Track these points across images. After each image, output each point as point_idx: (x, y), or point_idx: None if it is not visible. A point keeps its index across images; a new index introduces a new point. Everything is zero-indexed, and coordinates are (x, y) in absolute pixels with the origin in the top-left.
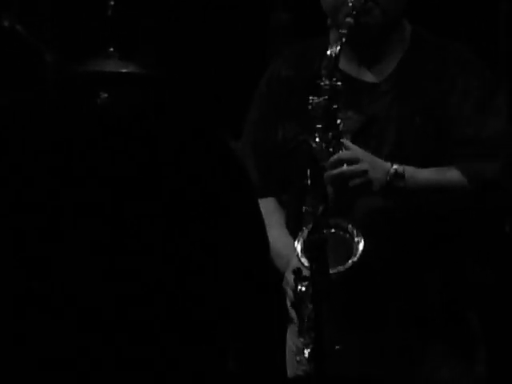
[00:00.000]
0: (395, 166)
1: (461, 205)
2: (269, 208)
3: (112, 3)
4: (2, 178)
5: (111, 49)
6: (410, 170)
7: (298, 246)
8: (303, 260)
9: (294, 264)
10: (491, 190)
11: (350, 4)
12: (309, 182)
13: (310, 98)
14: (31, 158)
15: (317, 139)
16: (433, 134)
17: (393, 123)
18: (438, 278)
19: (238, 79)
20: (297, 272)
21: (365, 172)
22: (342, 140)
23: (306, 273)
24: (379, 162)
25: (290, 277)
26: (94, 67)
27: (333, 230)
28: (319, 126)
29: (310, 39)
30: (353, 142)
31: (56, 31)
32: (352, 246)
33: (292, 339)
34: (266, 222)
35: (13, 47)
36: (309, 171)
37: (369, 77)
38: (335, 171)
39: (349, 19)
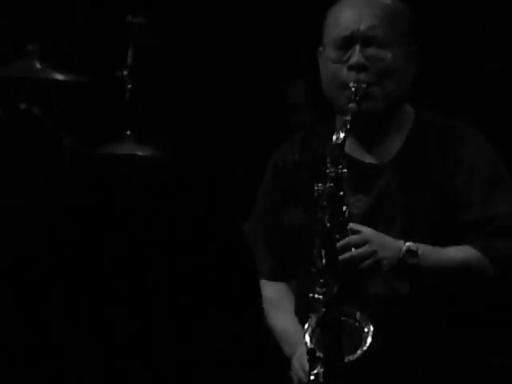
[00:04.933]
0: (408, 244)
1: (480, 285)
2: (280, 293)
3: (129, 86)
4: None
5: (128, 132)
6: (423, 248)
7: (307, 335)
8: (310, 345)
9: (302, 352)
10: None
11: (353, 89)
12: (323, 262)
13: (316, 185)
14: None
15: (324, 226)
16: (441, 215)
17: (400, 203)
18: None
19: (250, 160)
20: (310, 353)
21: (374, 252)
22: (348, 225)
23: (319, 354)
24: (390, 240)
25: (297, 364)
26: (111, 150)
27: (342, 318)
28: (325, 212)
29: (315, 124)
30: (362, 223)
31: (73, 114)
32: (361, 335)
33: None
34: (276, 307)
35: (29, 130)
36: (323, 251)
37: (374, 159)
38: (344, 256)
39: (352, 105)
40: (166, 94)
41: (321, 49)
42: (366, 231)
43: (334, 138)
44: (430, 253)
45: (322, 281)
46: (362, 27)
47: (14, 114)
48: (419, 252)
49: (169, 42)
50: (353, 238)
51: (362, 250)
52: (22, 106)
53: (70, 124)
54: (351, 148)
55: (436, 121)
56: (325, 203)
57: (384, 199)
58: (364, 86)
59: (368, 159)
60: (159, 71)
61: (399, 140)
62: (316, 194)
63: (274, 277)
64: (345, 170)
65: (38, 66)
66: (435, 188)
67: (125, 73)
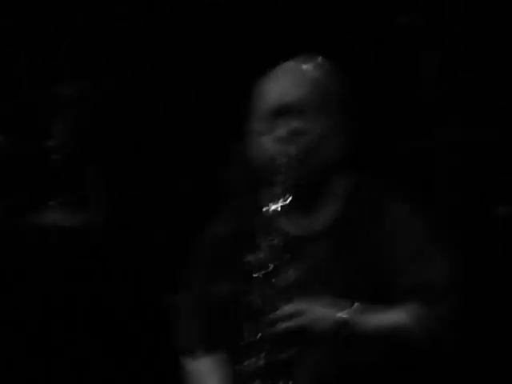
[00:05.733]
0: (340, 314)
1: (413, 351)
2: (208, 366)
3: (57, 156)
4: None
5: (52, 203)
6: (356, 317)
7: None
8: None
9: None
10: (443, 331)
11: (279, 162)
12: (253, 334)
13: (247, 256)
14: None
15: (254, 298)
16: (378, 279)
17: (332, 273)
18: None
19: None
20: None
21: (307, 324)
22: (280, 297)
23: None
24: (323, 311)
25: None
26: (36, 219)
27: None
28: (256, 284)
29: (245, 197)
30: (296, 293)
31: None
32: None
33: None
34: (205, 381)
35: None
36: (253, 324)
37: (306, 228)
38: (276, 328)
39: (279, 177)
40: (92, 163)
41: (249, 121)
42: (299, 302)
43: (265, 209)
44: (363, 321)
45: (251, 353)
46: (287, 99)
47: None
48: (352, 321)
49: (95, 112)
50: (284, 310)
51: (293, 321)
52: None
53: None
54: (283, 218)
55: (371, 189)
56: (255, 275)
57: (319, 265)
58: (290, 158)
59: (300, 229)
60: (86, 140)
61: (332, 209)
62: (247, 266)
63: (202, 350)
64: (276, 242)
65: None
66: (367, 260)
67: (51, 142)
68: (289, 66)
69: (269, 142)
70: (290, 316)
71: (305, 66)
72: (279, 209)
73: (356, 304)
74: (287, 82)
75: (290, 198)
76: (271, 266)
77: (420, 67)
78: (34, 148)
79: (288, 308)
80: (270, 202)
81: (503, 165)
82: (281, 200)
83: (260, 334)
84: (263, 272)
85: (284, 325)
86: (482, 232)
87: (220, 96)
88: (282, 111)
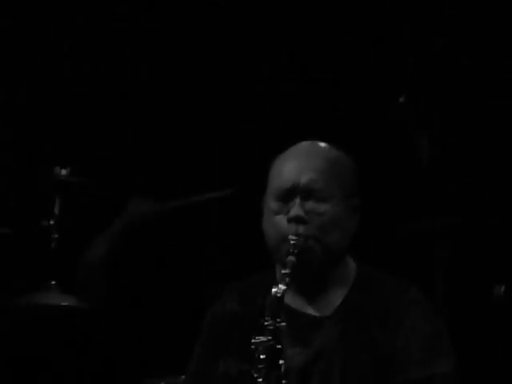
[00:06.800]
0: None
1: None
2: None
3: (56, 236)
4: None
5: (53, 282)
6: None
7: None
8: None
9: None
10: None
11: (292, 242)
12: None
13: (254, 337)
14: None
15: (259, 379)
16: (378, 375)
17: (338, 358)
18: None
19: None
20: None
21: None
22: (286, 380)
23: None
24: None
25: None
26: (36, 300)
27: None
28: (262, 366)
29: (254, 275)
30: (299, 377)
31: None
32: None
33: None
34: None
35: None
36: None
37: (314, 311)
38: None
39: (291, 257)
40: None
41: (265, 198)
42: None
43: (274, 290)
44: None
45: None
46: (303, 180)
47: None
48: None
49: (93, 196)
50: None
51: None
52: None
53: None
54: (291, 299)
55: (377, 277)
56: (262, 356)
57: (322, 355)
58: (302, 239)
59: (308, 311)
60: (85, 221)
61: (340, 294)
62: (253, 347)
63: None
64: (283, 324)
65: None
66: (374, 348)
67: (51, 222)
68: (305, 146)
69: (282, 221)
70: None
71: (321, 147)
72: (287, 290)
73: None
74: (304, 162)
75: (298, 280)
76: (278, 348)
77: (417, 150)
78: (32, 228)
79: None
80: (280, 282)
81: (503, 246)
82: (289, 281)
83: None
84: (270, 354)
85: None
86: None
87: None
88: (298, 191)
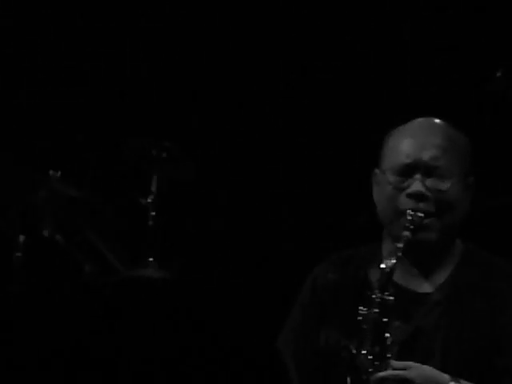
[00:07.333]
0: (453, 383)
1: None
2: None
3: (153, 214)
4: None
5: (151, 259)
6: None
7: None
8: None
9: None
10: None
11: (409, 218)
12: None
13: (360, 308)
14: None
15: (363, 351)
16: (479, 356)
17: (440, 335)
18: None
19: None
20: None
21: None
22: (388, 357)
23: None
24: (434, 374)
25: None
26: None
27: None
28: (367, 338)
29: (357, 246)
30: (399, 352)
31: (95, 241)
32: None
33: None
34: None
35: (52, 257)
36: (349, 379)
37: (419, 287)
38: None
39: (406, 233)
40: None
41: (377, 171)
42: (408, 366)
43: (384, 264)
44: None
45: None
46: (425, 157)
47: (37, 241)
48: None
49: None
50: (390, 373)
51: (402, 379)
52: (45, 233)
53: (90, 252)
54: (398, 275)
55: (482, 258)
56: (367, 328)
57: (423, 331)
58: (421, 215)
59: (410, 287)
60: (182, 200)
61: (445, 272)
62: (359, 318)
63: None
64: (391, 298)
65: (61, 193)
66: (476, 328)
67: (149, 200)
68: (424, 122)
69: (399, 196)
70: (400, 379)
71: (440, 124)
72: (396, 264)
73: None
74: (425, 139)
75: (410, 256)
76: (384, 321)
77: None
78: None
79: (398, 364)
80: (390, 255)
81: None
82: (400, 255)
83: None
84: (375, 326)
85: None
86: None
87: None
88: (418, 168)
